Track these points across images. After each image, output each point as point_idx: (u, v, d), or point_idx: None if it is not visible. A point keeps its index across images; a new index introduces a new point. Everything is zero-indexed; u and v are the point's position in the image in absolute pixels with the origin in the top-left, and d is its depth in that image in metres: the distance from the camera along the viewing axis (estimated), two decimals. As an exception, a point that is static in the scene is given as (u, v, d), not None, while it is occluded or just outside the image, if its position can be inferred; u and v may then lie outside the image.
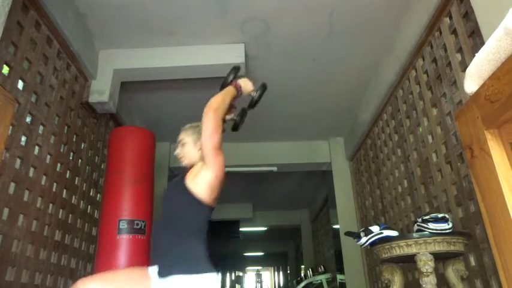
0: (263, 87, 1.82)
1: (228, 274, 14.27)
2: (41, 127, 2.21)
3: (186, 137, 1.70)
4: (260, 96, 1.80)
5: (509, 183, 0.75)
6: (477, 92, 0.82)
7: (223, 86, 1.76)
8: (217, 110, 1.54)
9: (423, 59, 2.50)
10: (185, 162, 1.68)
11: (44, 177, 2.23)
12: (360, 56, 3.01)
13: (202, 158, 1.57)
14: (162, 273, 1.42)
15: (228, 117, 1.76)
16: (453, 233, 1.71)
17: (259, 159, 4.57)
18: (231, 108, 1.74)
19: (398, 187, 3.03)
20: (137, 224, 2.52)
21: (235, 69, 1.81)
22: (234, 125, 1.83)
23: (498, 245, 0.78)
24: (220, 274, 13.46)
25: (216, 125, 1.51)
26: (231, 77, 1.77)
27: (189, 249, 1.44)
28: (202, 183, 1.50)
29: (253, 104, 1.82)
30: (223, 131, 1.66)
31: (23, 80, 2.04)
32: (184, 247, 1.44)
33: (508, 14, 0.69)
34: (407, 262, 1.93)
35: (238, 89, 1.72)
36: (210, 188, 1.50)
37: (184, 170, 1.65)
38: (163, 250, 1.46)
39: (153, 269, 1.46)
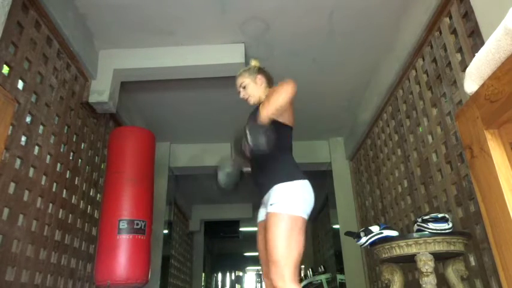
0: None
1: (228, 274, 14.26)
2: (41, 127, 2.21)
3: (245, 79, 1.91)
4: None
5: (509, 183, 0.75)
6: (477, 92, 0.82)
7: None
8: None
9: (423, 59, 2.50)
10: (253, 100, 1.91)
11: (44, 177, 2.23)
12: (360, 56, 3.01)
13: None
14: (268, 188, 1.69)
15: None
16: (453, 233, 1.71)
17: (259, 159, 4.56)
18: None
19: (398, 187, 3.03)
20: (137, 224, 2.51)
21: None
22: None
23: (498, 245, 0.77)
24: (220, 274, 13.45)
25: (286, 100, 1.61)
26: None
27: (283, 164, 1.71)
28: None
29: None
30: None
31: (23, 80, 2.04)
32: (280, 163, 1.71)
33: (508, 14, 0.69)
34: (407, 262, 1.93)
35: None
36: (289, 111, 1.77)
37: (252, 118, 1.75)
38: (266, 170, 1.74)
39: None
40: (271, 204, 1.61)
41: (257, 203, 1.84)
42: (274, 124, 1.67)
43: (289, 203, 1.58)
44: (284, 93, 1.60)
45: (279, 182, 1.65)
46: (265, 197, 1.74)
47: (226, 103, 3.47)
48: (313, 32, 2.74)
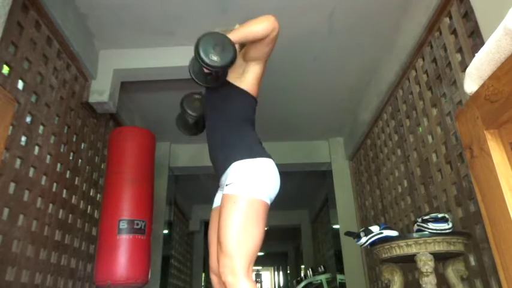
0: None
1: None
2: (41, 127, 2.21)
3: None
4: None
5: (509, 183, 0.75)
6: (477, 92, 0.82)
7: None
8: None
9: (423, 59, 2.50)
10: None
11: (44, 177, 2.23)
12: (360, 55, 3.01)
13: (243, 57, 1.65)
14: (225, 167, 1.48)
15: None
16: (453, 233, 1.71)
17: (259, 159, 4.56)
18: None
19: (398, 187, 3.03)
20: (137, 224, 2.52)
21: None
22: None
23: (498, 245, 0.77)
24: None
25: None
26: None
27: (242, 138, 1.53)
28: (250, 78, 1.63)
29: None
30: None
31: (23, 80, 2.04)
32: (239, 137, 1.52)
33: (508, 14, 0.69)
34: (407, 262, 1.93)
35: None
36: (257, 81, 1.66)
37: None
38: (223, 144, 1.55)
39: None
40: (227, 185, 1.39)
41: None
42: (235, 90, 1.55)
43: (248, 183, 1.36)
44: (261, 24, 1.51)
45: (238, 159, 1.43)
46: (223, 178, 1.51)
47: (226, 103, 3.47)
48: (314, 32, 2.74)
